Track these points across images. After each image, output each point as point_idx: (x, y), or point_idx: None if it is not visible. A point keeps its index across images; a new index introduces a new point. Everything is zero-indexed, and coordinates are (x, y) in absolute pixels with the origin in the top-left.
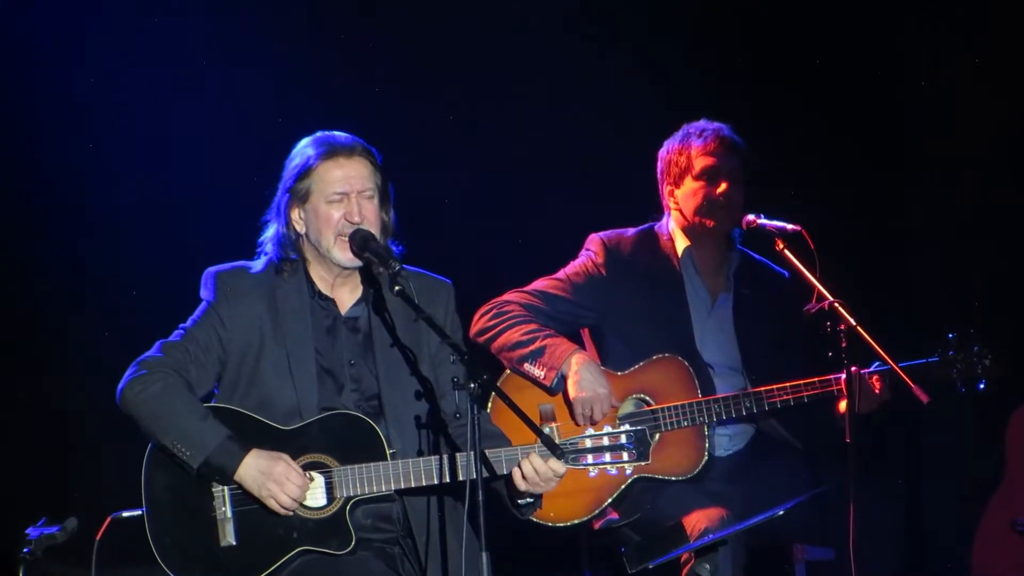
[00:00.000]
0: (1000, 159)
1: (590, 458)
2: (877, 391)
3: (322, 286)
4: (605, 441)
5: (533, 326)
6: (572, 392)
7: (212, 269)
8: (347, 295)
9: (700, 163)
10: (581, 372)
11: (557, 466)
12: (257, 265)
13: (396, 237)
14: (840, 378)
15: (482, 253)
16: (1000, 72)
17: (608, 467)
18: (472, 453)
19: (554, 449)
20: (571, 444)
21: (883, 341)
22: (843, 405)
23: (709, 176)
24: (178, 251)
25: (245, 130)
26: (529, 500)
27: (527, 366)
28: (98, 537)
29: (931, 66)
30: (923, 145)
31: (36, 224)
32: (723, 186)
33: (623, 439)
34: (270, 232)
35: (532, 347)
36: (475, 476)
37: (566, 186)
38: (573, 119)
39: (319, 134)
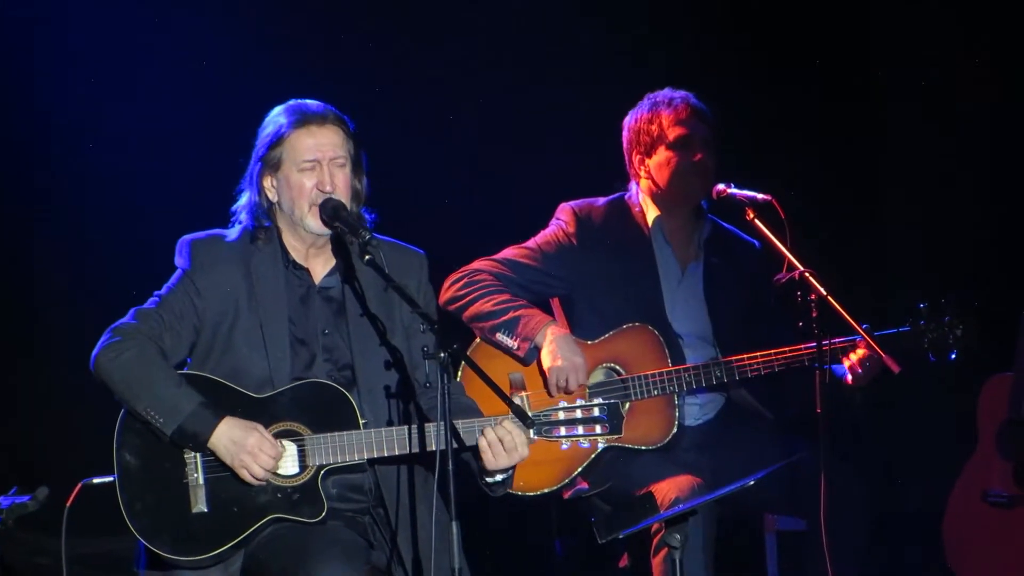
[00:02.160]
0: (973, 124)
1: (563, 430)
2: (867, 355)
3: (296, 255)
4: (578, 414)
5: (505, 296)
6: (547, 362)
7: (187, 237)
8: (321, 264)
9: (673, 132)
10: (557, 342)
11: (514, 433)
12: (232, 233)
13: (369, 205)
14: (811, 346)
15: (451, 221)
16: (977, 33)
17: (581, 440)
18: (442, 423)
19: (524, 418)
20: (544, 416)
21: (854, 311)
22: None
23: (682, 145)
24: (148, 219)
25: (219, 98)
26: (498, 478)
27: (499, 336)
28: (68, 503)
29: (904, 25)
30: (894, 112)
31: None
32: (697, 155)
33: (596, 412)
34: (243, 200)
35: (505, 317)
36: (445, 446)
37: (537, 154)
38: (544, 86)
39: (292, 102)
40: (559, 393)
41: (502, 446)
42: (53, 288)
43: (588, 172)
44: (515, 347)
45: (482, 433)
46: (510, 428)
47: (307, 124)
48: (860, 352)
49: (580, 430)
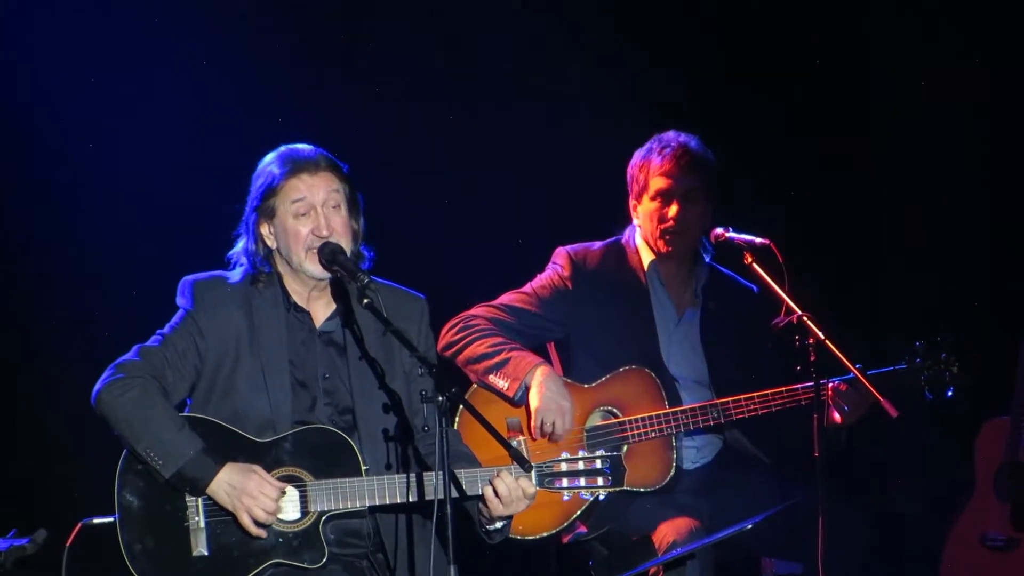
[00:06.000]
0: (968, 165)
1: (565, 482)
2: (850, 390)
3: (297, 299)
4: (580, 465)
5: (498, 339)
6: (535, 403)
7: (189, 278)
8: (322, 308)
9: (655, 184)
10: (546, 384)
11: (527, 485)
12: (234, 276)
13: (368, 243)
14: (807, 387)
15: (451, 266)
16: (972, 74)
17: (583, 492)
18: (440, 467)
19: (523, 462)
20: (546, 467)
21: (852, 353)
22: (837, 415)
23: (663, 198)
24: (149, 259)
25: (215, 137)
26: (497, 526)
27: (491, 378)
28: (68, 544)
29: (900, 65)
30: (891, 155)
31: (4, 228)
32: (674, 208)
33: (599, 464)
34: (240, 246)
35: (497, 359)
36: (443, 491)
37: (536, 198)
38: (542, 128)
39: (283, 149)
40: (543, 437)
41: (510, 496)
42: (53, 326)
43: (586, 215)
44: (506, 387)
45: (493, 480)
46: (517, 479)
47: (300, 172)
48: (843, 387)
49: (582, 482)
